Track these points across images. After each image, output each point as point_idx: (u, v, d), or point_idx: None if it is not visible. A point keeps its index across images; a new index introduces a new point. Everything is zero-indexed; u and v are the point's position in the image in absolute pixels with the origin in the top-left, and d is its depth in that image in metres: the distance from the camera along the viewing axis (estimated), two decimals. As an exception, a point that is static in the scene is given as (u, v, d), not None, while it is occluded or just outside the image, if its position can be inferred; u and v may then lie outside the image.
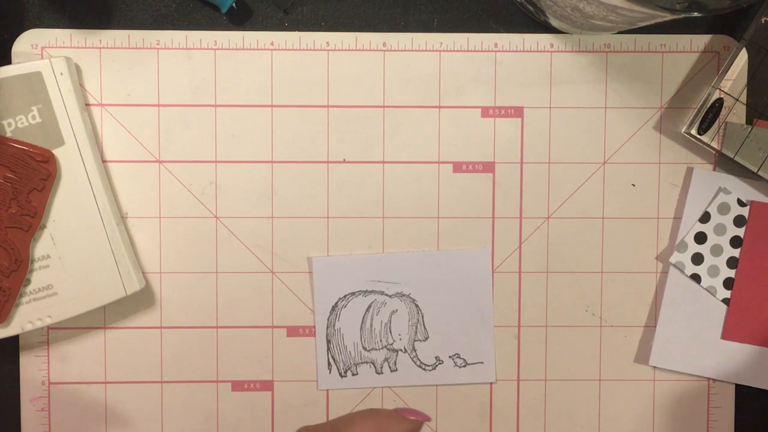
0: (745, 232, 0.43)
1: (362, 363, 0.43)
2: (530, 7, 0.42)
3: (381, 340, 0.43)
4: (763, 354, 0.43)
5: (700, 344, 0.43)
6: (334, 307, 0.42)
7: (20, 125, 0.39)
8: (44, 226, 0.40)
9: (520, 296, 0.43)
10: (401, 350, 0.43)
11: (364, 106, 0.43)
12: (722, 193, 0.43)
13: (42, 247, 0.40)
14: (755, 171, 0.41)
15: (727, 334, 0.43)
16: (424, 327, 0.43)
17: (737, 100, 0.42)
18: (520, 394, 0.43)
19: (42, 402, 0.42)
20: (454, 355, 0.43)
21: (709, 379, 0.43)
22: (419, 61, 0.42)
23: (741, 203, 0.43)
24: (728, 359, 0.43)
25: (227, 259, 0.42)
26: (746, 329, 0.43)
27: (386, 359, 0.43)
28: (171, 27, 0.42)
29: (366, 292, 0.43)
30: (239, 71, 0.42)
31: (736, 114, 0.42)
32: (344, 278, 0.42)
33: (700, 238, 0.43)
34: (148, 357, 0.43)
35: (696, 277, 0.43)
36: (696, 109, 0.42)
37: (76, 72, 0.41)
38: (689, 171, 0.43)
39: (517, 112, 0.43)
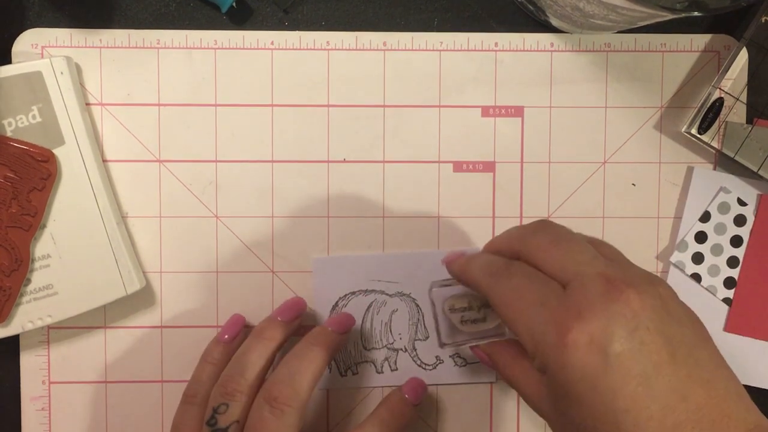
0: (753, 225, 0.43)
1: (362, 362, 0.43)
2: (530, 7, 0.42)
3: (381, 340, 0.43)
4: (764, 351, 0.43)
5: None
6: (334, 307, 0.42)
7: (20, 125, 0.39)
8: (44, 226, 0.40)
9: (520, 296, 0.43)
10: (401, 349, 0.43)
11: (364, 105, 0.43)
12: (722, 193, 0.43)
13: (42, 246, 0.40)
14: (755, 170, 0.41)
15: (730, 327, 0.43)
16: (425, 326, 0.43)
17: (737, 99, 0.42)
18: (521, 394, 0.43)
19: (42, 402, 0.42)
20: (454, 355, 0.43)
21: (709, 378, 0.43)
22: (419, 60, 0.42)
23: (741, 203, 0.43)
24: (728, 358, 0.43)
25: (227, 259, 0.42)
26: (749, 323, 0.43)
27: (386, 359, 0.43)
28: (171, 26, 0.42)
29: (366, 292, 0.43)
30: (239, 71, 0.42)
31: (736, 113, 0.42)
32: (344, 278, 0.42)
33: (701, 237, 0.43)
34: (148, 357, 0.42)
35: (696, 277, 0.43)
36: (696, 109, 0.42)
37: (77, 71, 0.41)
38: (689, 170, 0.43)
39: (518, 111, 0.43)
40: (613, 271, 0.31)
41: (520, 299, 0.32)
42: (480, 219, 0.43)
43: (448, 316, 0.38)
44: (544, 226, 0.34)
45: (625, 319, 0.29)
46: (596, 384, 0.29)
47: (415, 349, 0.43)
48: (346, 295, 0.43)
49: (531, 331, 0.31)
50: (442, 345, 0.38)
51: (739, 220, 0.43)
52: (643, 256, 0.43)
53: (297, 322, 0.41)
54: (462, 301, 0.38)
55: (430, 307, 0.39)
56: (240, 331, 0.41)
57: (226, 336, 0.40)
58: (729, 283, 0.43)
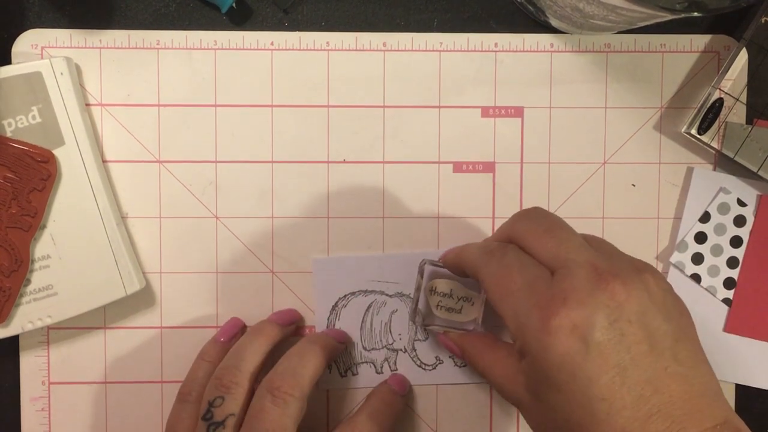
0: (752, 226, 0.43)
1: (362, 363, 0.43)
2: (530, 7, 0.42)
3: (381, 340, 0.43)
4: (763, 352, 0.43)
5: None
6: (334, 307, 0.42)
7: (20, 125, 0.39)
8: (44, 226, 0.40)
9: (520, 296, 0.43)
10: (401, 350, 0.43)
11: (364, 106, 0.43)
12: (722, 193, 0.43)
13: (42, 247, 0.40)
14: (755, 171, 0.41)
15: (730, 327, 0.43)
16: (423, 328, 0.43)
17: (737, 99, 0.42)
18: (521, 394, 0.43)
19: (42, 402, 0.42)
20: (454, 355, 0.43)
21: (709, 379, 0.43)
22: (419, 61, 0.42)
23: (741, 203, 0.43)
24: (728, 358, 0.43)
25: (227, 259, 0.42)
26: (749, 323, 0.43)
27: (386, 359, 0.43)
28: (171, 27, 0.42)
29: (366, 292, 0.43)
30: (239, 71, 0.42)
31: (736, 114, 0.42)
32: (344, 278, 0.42)
33: (701, 237, 0.43)
34: (148, 357, 0.42)
35: (696, 277, 0.43)
36: (696, 109, 0.42)
37: (76, 72, 0.41)
38: (689, 171, 0.43)
39: (517, 112, 0.43)
40: (601, 261, 0.31)
41: (509, 280, 0.32)
42: (480, 219, 0.43)
43: (426, 296, 0.39)
44: (536, 213, 0.35)
45: (608, 309, 0.30)
46: (575, 371, 0.29)
47: (415, 350, 0.43)
48: (346, 296, 0.43)
49: (516, 313, 0.32)
50: (413, 321, 0.40)
51: (739, 221, 0.43)
52: (643, 257, 0.43)
53: (292, 327, 0.42)
54: (445, 286, 0.40)
55: (415, 280, 0.40)
56: (237, 333, 0.41)
57: (223, 338, 0.41)
58: (729, 283, 0.43)
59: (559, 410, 0.30)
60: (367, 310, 0.43)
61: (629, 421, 0.28)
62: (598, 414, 0.29)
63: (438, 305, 0.40)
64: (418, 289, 0.40)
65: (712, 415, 0.29)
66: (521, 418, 0.43)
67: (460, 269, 0.38)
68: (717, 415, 0.29)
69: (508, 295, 0.32)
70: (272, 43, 0.42)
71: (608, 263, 0.31)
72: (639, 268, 0.32)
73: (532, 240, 0.33)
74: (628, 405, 0.29)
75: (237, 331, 0.41)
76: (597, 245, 0.34)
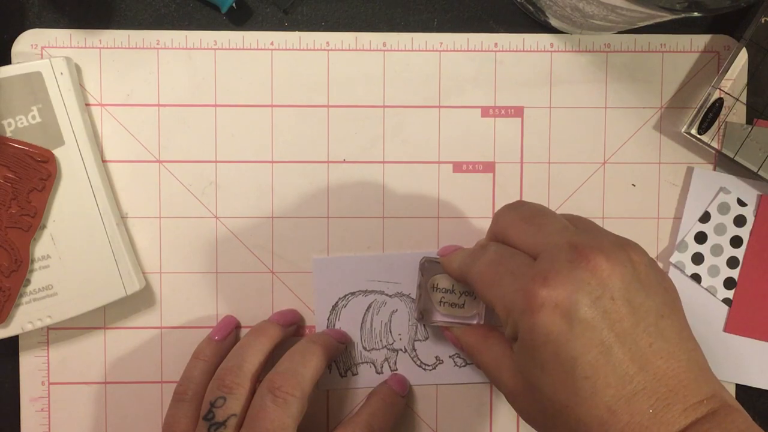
0: (753, 226, 0.43)
1: (362, 363, 0.43)
2: (530, 7, 0.42)
3: (381, 340, 0.43)
4: (763, 351, 0.43)
5: (701, 344, 0.43)
6: (334, 307, 0.42)
7: (20, 125, 0.39)
8: (44, 226, 0.40)
9: (520, 296, 0.43)
10: (401, 350, 0.43)
11: (364, 106, 0.43)
12: (722, 193, 0.43)
13: (42, 247, 0.40)
14: (755, 171, 0.41)
15: (730, 327, 0.43)
16: (424, 326, 0.43)
17: (737, 99, 0.42)
18: (521, 394, 0.43)
19: (42, 402, 0.42)
20: (454, 355, 0.43)
21: (709, 379, 0.43)
22: (419, 61, 0.42)
23: (741, 203, 0.43)
24: (728, 358, 0.43)
25: (227, 259, 0.42)
26: (749, 323, 0.43)
27: (386, 359, 0.43)
28: (171, 27, 0.42)
29: (366, 292, 0.43)
30: (239, 71, 0.42)
31: (736, 114, 0.42)
32: (344, 278, 0.42)
33: (701, 237, 0.43)
34: (148, 357, 0.42)
35: (696, 277, 0.43)
36: (696, 109, 0.42)
37: (76, 72, 0.41)
38: (689, 171, 0.43)
39: (517, 112, 0.43)
40: (582, 238, 0.31)
41: (494, 273, 0.33)
42: (480, 219, 0.43)
43: (429, 293, 0.39)
44: (516, 205, 0.35)
45: (589, 286, 0.29)
46: (558, 350, 0.29)
47: (415, 350, 0.43)
48: (345, 296, 0.43)
49: (503, 300, 0.32)
50: (418, 319, 0.40)
51: (739, 221, 0.43)
52: (642, 257, 0.43)
53: (293, 328, 0.42)
54: (447, 281, 0.40)
55: (416, 279, 0.41)
56: (231, 332, 0.41)
57: (217, 337, 0.41)
58: (729, 283, 0.43)
59: (544, 391, 0.30)
60: (367, 310, 0.43)
61: (614, 400, 0.28)
62: (581, 393, 0.29)
63: (441, 301, 0.40)
64: (420, 287, 0.40)
65: (698, 391, 0.29)
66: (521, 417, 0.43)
67: (453, 277, 0.39)
68: (704, 390, 0.29)
69: (494, 286, 0.33)
70: (272, 43, 0.42)
71: (589, 240, 0.31)
72: (622, 244, 0.31)
73: (514, 231, 0.34)
74: (612, 383, 0.28)
75: (231, 329, 0.41)
76: (580, 224, 0.34)
